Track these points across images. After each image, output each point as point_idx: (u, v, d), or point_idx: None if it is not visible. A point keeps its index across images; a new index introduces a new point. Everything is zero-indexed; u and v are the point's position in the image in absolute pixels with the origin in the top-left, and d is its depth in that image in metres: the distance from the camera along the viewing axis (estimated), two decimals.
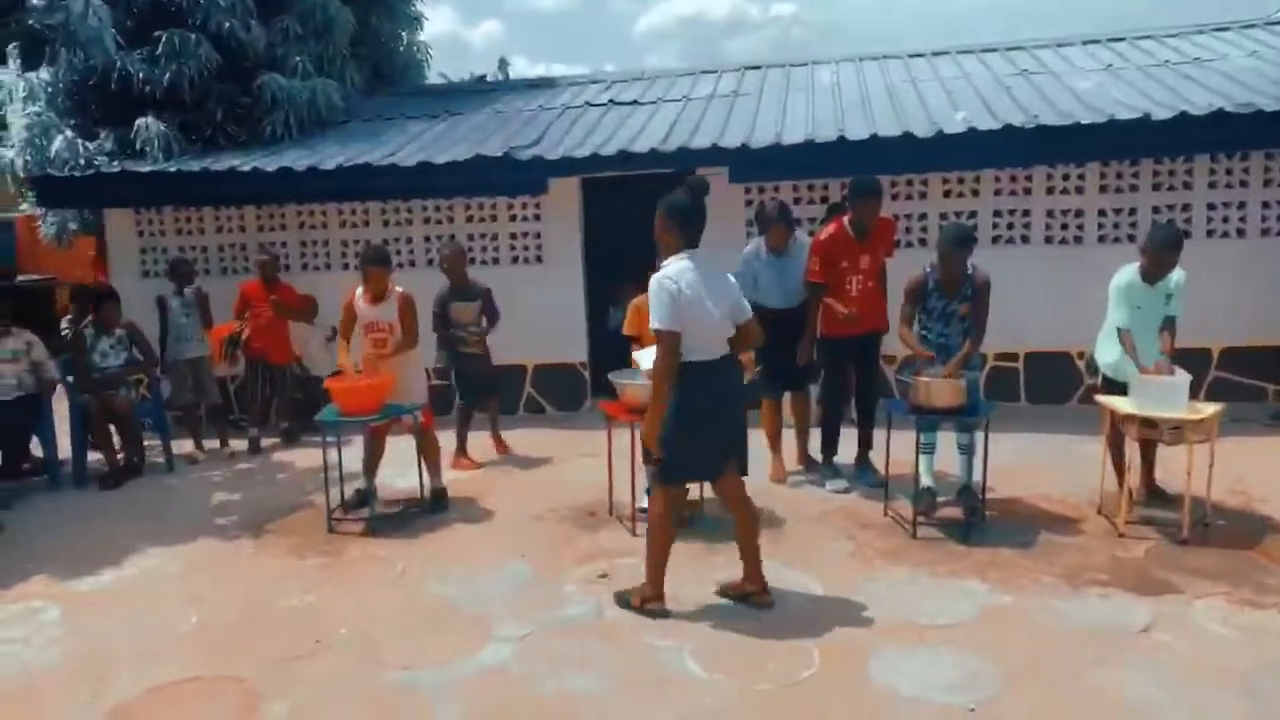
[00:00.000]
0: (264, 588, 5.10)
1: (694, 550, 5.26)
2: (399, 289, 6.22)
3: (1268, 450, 6.78)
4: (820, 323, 6.46)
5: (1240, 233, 7.95)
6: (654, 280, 4.28)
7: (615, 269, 9.14)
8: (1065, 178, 8.08)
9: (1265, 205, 7.89)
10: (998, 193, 8.19)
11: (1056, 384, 8.32)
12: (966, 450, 5.95)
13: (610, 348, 8.93)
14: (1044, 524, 5.57)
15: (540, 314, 8.71)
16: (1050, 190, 8.12)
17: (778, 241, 6.55)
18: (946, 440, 5.89)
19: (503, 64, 17.84)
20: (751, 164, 7.89)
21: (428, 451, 6.34)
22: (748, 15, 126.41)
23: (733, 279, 4.48)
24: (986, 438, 5.48)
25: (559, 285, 8.70)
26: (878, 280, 6.47)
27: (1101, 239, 8.08)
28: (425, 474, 6.37)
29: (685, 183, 4.77)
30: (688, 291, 4.19)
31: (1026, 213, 8.17)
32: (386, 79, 12.72)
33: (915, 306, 5.84)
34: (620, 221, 9.97)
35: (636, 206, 9.95)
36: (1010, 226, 8.22)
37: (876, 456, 6.36)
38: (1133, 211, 8.03)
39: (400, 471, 6.70)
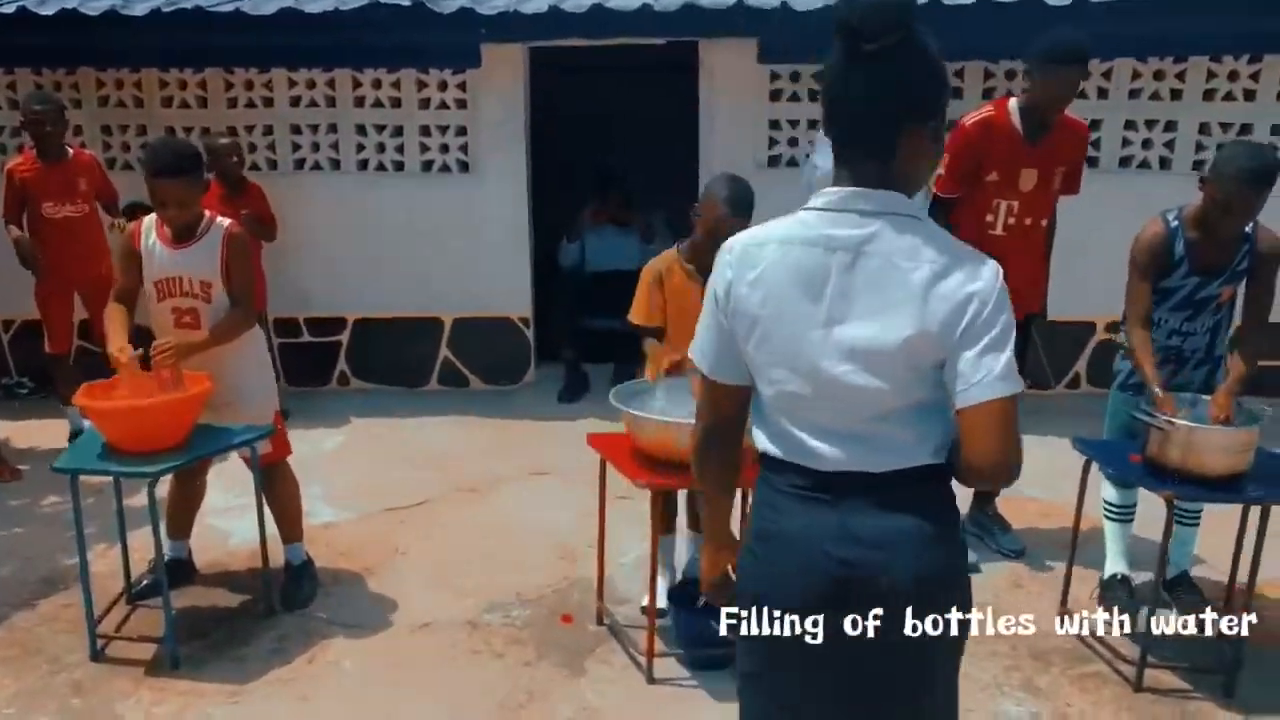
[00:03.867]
0: None
1: None
2: (222, 219, 3.46)
3: None
4: None
5: None
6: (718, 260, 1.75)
7: (572, 185, 6.46)
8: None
9: None
10: (1133, 94, 5.70)
11: None
12: (1193, 520, 3.61)
13: (567, 296, 6.29)
14: None
15: (464, 246, 5.97)
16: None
17: None
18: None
19: None
20: (796, 33, 5.21)
21: (277, 500, 3.68)
22: None
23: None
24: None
25: (492, 205, 5.95)
26: (1047, 222, 3.95)
27: None
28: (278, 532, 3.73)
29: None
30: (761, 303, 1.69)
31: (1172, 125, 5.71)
32: None
33: (1148, 284, 3.36)
34: (583, 116, 7.17)
35: (608, 96, 7.26)
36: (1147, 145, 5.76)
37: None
38: None
39: (238, 503, 4.06)
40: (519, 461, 5.03)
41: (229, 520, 4.27)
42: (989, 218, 3.86)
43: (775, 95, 5.77)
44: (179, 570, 3.71)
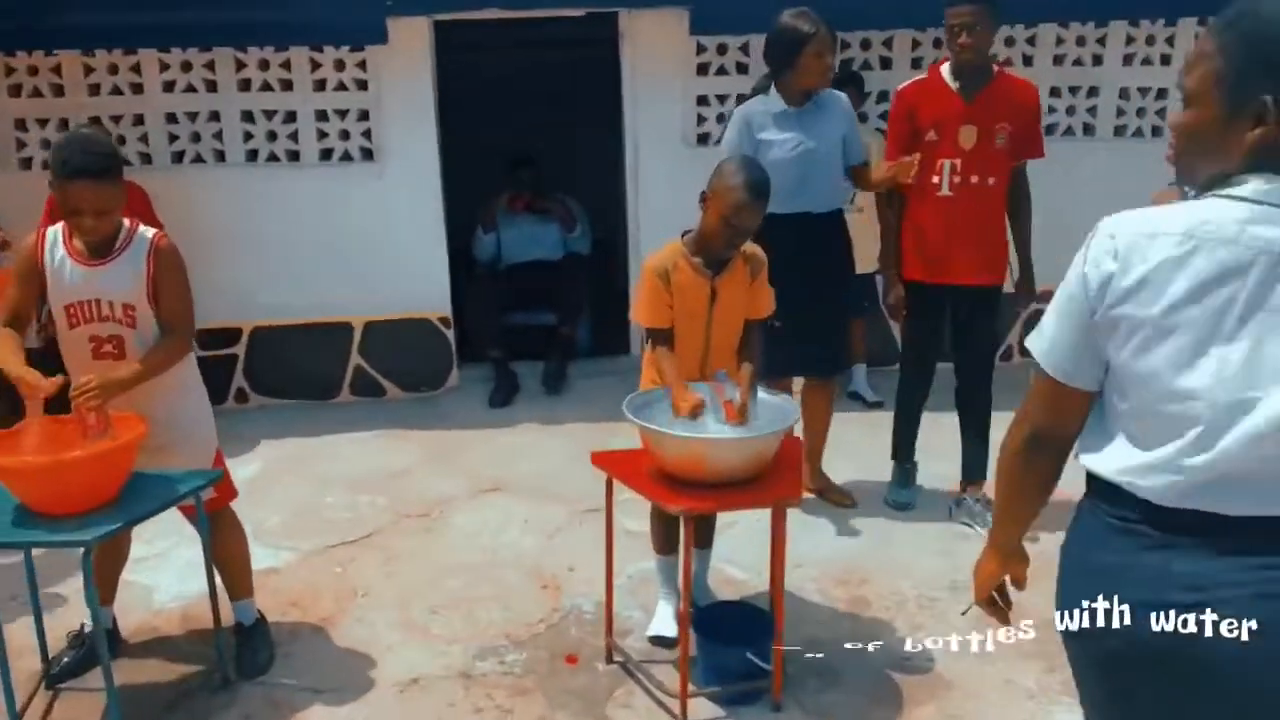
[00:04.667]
0: None
1: None
2: (146, 229, 2.91)
3: None
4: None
5: None
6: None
7: (486, 171, 6.01)
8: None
9: None
10: (1057, 60, 5.65)
11: None
12: None
13: (487, 291, 5.84)
14: None
15: (372, 241, 5.44)
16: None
17: (812, 80, 3.77)
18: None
19: None
20: (733, 3, 4.91)
21: (224, 552, 3.16)
22: None
23: None
24: None
25: (401, 195, 5.43)
26: (999, 184, 3.82)
27: None
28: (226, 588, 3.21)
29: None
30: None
31: (1095, 91, 5.70)
32: None
33: None
34: (498, 95, 6.67)
35: (527, 72, 6.76)
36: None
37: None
38: None
39: (156, 551, 3.53)
40: (462, 478, 4.59)
41: (149, 573, 3.71)
42: (934, 179, 3.83)
43: (703, 69, 5.45)
44: (83, 648, 3.14)
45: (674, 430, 2.74)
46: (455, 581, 3.68)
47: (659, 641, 3.26)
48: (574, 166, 6.44)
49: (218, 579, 3.11)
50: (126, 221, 2.84)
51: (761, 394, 3.01)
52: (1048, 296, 1.63)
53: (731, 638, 2.99)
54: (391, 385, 5.68)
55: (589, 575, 3.67)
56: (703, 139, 5.50)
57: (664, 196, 5.47)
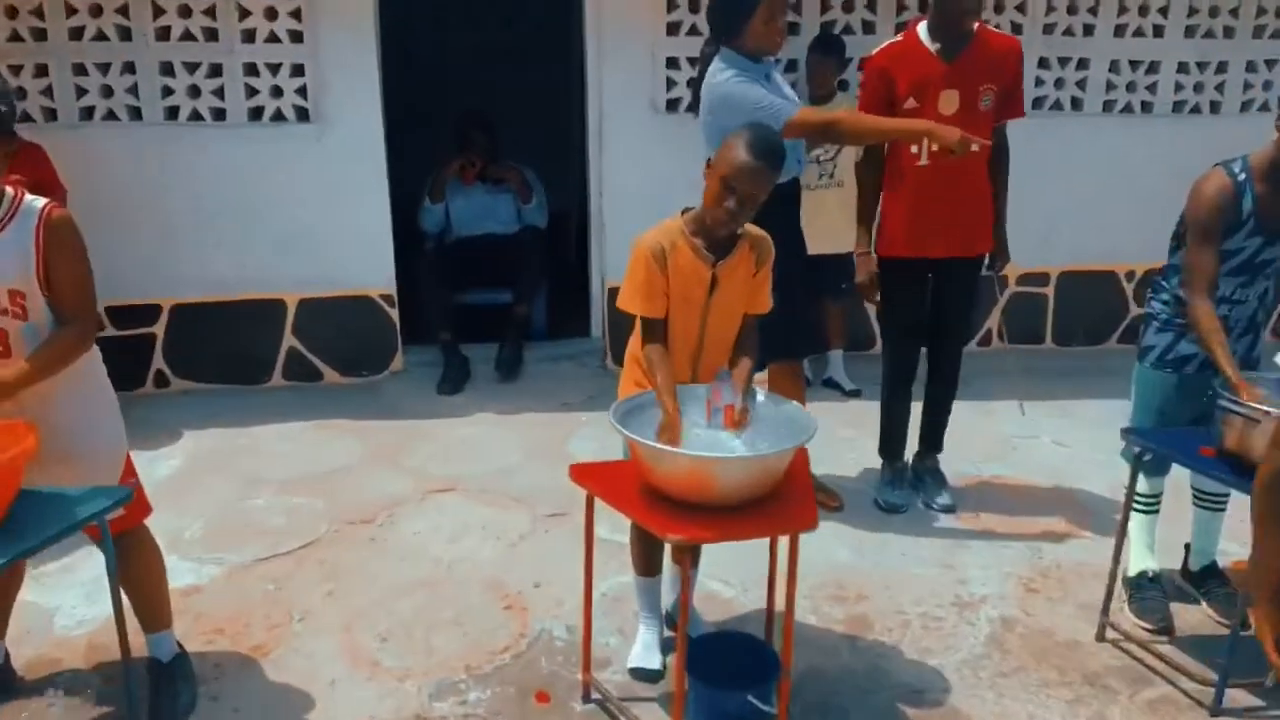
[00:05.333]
0: None
1: None
2: (34, 199, 2.40)
3: None
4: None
5: None
6: None
7: (436, 136, 5.54)
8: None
9: None
10: (1047, 29, 5.31)
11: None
12: (1219, 505, 3.27)
13: (435, 267, 5.37)
14: None
15: (308, 210, 4.95)
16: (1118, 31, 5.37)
17: (764, 46, 3.37)
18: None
19: None
20: None
21: (135, 578, 2.68)
22: None
23: None
24: None
25: (340, 160, 4.92)
26: (983, 150, 3.47)
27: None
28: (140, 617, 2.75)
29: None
30: None
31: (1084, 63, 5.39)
32: None
33: (1215, 248, 2.91)
34: (449, 53, 6.14)
35: (482, 28, 6.22)
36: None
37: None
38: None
39: (56, 565, 3.07)
40: (410, 476, 4.15)
41: (49, 591, 3.23)
42: (913, 148, 3.52)
43: (673, 29, 5.02)
44: None
45: (676, 447, 2.34)
46: (406, 602, 3.25)
47: (641, 674, 2.88)
48: (530, 133, 5.97)
49: (126, 602, 2.65)
50: (10, 190, 2.34)
51: (763, 398, 2.63)
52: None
53: (728, 677, 2.62)
54: (329, 369, 5.19)
55: (558, 592, 3.28)
56: (672, 105, 5.08)
57: (630, 166, 5.07)
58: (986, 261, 3.79)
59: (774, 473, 2.37)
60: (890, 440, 3.97)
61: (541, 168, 5.75)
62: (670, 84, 5.07)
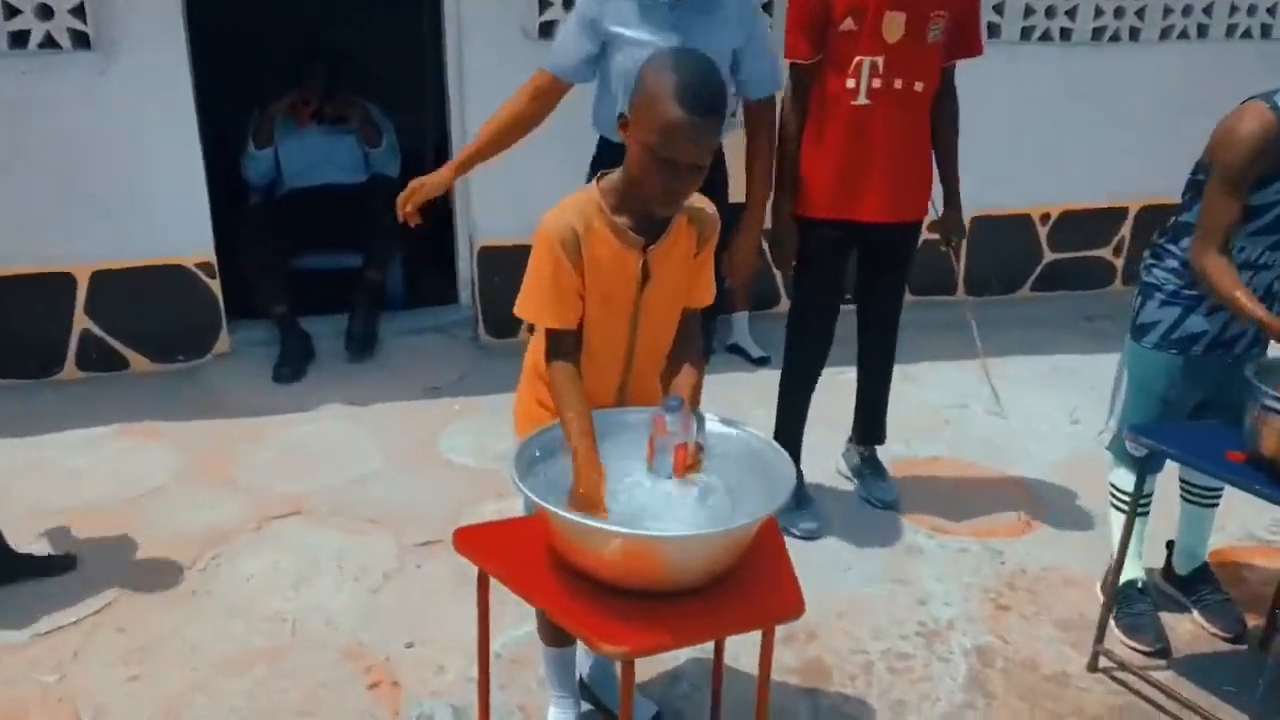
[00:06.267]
0: None
1: None
2: None
3: None
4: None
5: None
6: None
7: (261, 70, 4.62)
8: None
9: None
10: None
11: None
12: (1214, 500, 2.84)
13: (264, 226, 4.49)
14: None
15: (97, 160, 3.98)
16: None
17: None
18: None
19: None
20: None
21: None
22: None
23: None
24: None
25: (134, 97, 3.94)
26: (927, 90, 2.96)
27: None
28: None
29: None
30: None
31: None
32: None
33: (1243, 199, 2.38)
34: None
35: None
36: None
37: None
38: None
39: None
40: (242, 496, 3.34)
41: None
42: (850, 83, 2.90)
43: None
44: None
45: (610, 524, 1.66)
46: (238, 685, 2.49)
47: None
48: (376, 64, 5.07)
49: None
50: None
51: (717, 425, 1.96)
52: None
53: None
54: (136, 355, 4.25)
55: (436, 655, 2.59)
56: (546, 29, 4.29)
57: (497, 102, 4.25)
58: (940, 236, 3.23)
59: (742, 545, 1.72)
60: (786, 445, 3.36)
61: (393, 106, 4.89)
62: (544, 5, 4.27)
